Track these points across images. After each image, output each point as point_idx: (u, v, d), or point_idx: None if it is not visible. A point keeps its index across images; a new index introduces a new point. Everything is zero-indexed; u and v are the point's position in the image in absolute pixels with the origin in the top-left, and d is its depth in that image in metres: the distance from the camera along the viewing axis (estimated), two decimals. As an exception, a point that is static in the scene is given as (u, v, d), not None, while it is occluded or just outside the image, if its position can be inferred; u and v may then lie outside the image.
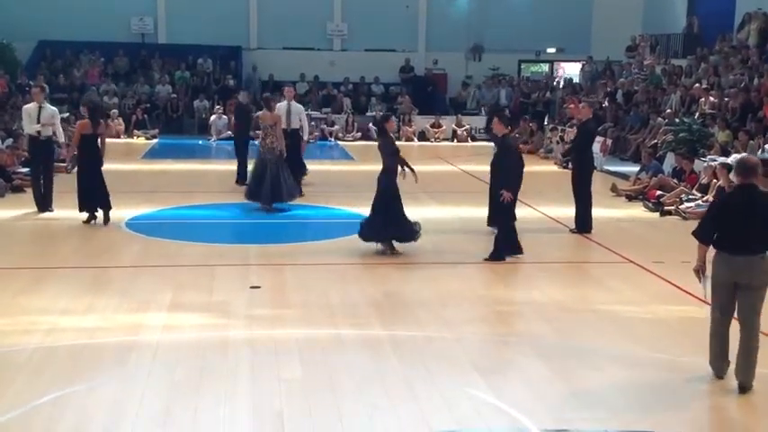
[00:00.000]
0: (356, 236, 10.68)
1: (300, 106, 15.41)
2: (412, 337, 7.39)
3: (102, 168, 12.10)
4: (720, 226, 6.40)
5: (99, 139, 12.02)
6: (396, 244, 10.57)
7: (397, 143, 11.01)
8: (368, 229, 10.51)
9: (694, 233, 6.59)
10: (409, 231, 10.48)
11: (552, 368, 6.68)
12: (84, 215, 12.04)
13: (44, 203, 12.77)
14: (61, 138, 13.38)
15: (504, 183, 10.23)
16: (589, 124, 12.43)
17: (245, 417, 5.68)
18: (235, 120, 16.43)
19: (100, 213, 12.07)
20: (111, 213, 12.60)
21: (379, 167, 10.56)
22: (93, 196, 11.97)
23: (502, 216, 10.39)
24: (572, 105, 23.55)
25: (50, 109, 12.96)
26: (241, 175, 15.72)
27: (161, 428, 5.50)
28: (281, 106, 15.01)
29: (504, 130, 10.54)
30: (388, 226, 10.42)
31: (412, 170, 10.58)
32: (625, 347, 7.30)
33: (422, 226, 10.57)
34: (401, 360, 6.82)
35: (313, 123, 22.77)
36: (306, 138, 15.00)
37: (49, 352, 6.86)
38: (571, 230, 12.05)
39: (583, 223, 12.00)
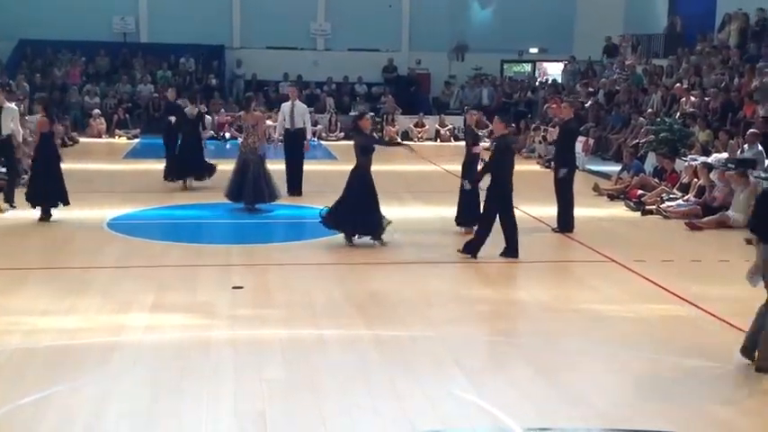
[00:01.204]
0: (339, 235, 10.70)
1: (304, 106, 15.47)
2: (395, 337, 7.39)
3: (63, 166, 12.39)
4: (764, 217, 6.75)
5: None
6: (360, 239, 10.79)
7: (408, 147, 11.18)
8: (329, 217, 10.71)
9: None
10: (373, 227, 10.59)
11: (535, 367, 6.71)
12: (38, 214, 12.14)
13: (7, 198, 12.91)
14: (18, 137, 13.44)
15: (494, 183, 10.27)
16: (571, 124, 12.47)
17: (228, 417, 5.66)
18: (164, 116, 16.64)
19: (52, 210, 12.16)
20: (92, 214, 12.62)
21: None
22: (49, 193, 12.04)
23: (504, 215, 10.31)
24: (554, 105, 23.76)
25: (11, 109, 13.09)
26: (170, 170, 15.67)
27: (143, 429, 5.47)
28: (284, 106, 15.07)
29: (504, 129, 10.57)
30: (354, 221, 10.58)
31: (405, 145, 10.74)
32: (608, 346, 7.33)
33: (391, 223, 10.76)
34: (384, 360, 6.82)
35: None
36: (309, 137, 15.08)
37: (30, 353, 6.81)
38: (553, 230, 12.09)
39: (565, 223, 12.04)
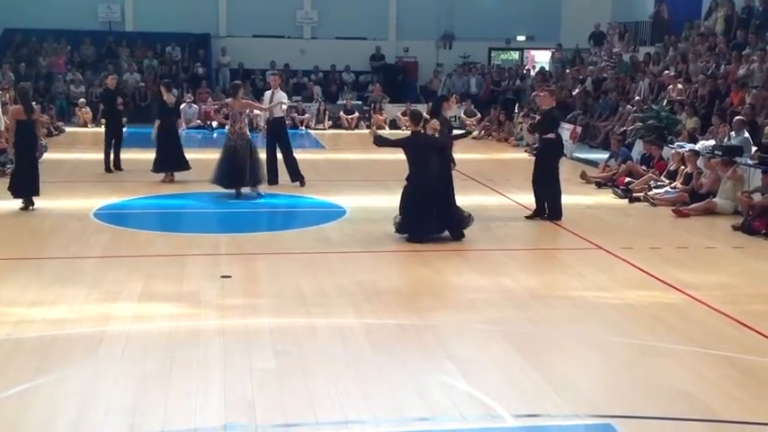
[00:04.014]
0: (328, 224, 10.69)
1: (283, 94, 15.23)
2: (384, 325, 7.39)
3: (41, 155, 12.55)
4: None
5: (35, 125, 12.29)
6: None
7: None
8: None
9: None
10: (463, 220, 10.67)
11: (524, 354, 6.72)
12: (19, 203, 12.09)
13: None
14: (1, 125, 13.41)
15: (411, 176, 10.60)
16: (552, 112, 12.45)
17: (217, 407, 5.64)
18: (103, 106, 16.59)
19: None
20: (79, 203, 12.62)
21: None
22: (30, 182, 12.01)
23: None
24: (542, 93, 23.68)
25: None
26: (116, 163, 15.93)
27: (131, 419, 5.45)
28: (266, 95, 14.91)
29: (414, 127, 10.85)
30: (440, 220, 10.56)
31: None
32: (596, 333, 7.35)
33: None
34: (374, 348, 6.82)
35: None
36: (264, 108, 14.70)
37: (17, 343, 6.77)
38: (542, 218, 12.09)
39: (554, 211, 12.04)
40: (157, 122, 14.87)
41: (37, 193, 12.14)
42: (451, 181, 11.01)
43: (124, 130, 16.72)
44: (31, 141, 12.08)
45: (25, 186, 12.04)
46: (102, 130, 23.53)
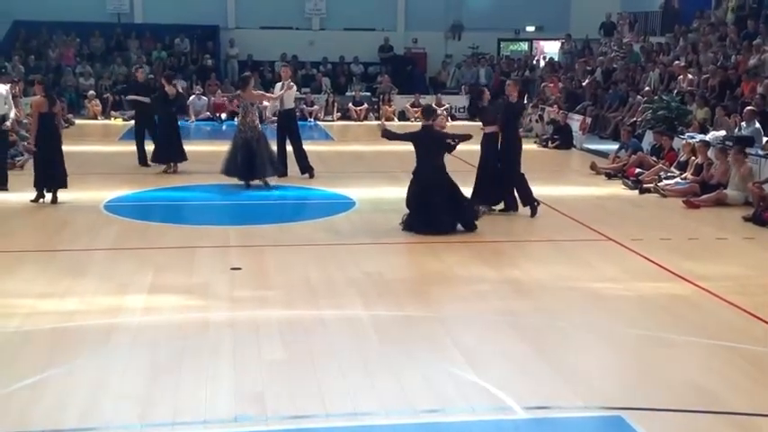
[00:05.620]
0: (337, 216, 10.68)
1: (293, 85, 15.21)
2: (393, 317, 7.40)
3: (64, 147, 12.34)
4: None
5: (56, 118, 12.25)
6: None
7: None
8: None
9: None
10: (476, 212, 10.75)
11: (533, 345, 6.71)
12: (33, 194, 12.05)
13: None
14: (11, 115, 13.49)
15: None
16: (518, 104, 12.32)
17: (227, 398, 5.66)
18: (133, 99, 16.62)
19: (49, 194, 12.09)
20: (89, 195, 12.63)
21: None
22: (51, 175, 11.98)
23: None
24: (551, 84, 23.65)
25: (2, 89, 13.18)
26: (141, 158, 15.72)
27: (142, 410, 5.47)
28: (277, 86, 14.92)
29: (425, 121, 10.76)
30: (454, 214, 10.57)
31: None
32: (605, 324, 7.34)
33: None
34: (383, 340, 6.82)
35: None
36: (273, 100, 14.72)
37: (28, 335, 6.80)
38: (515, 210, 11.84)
39: (524, 200, 11.78)
40: (146, 99, 15.26)
41: (62, 185, 12.10)
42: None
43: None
44: (50, 134, 12.02)
45: (40, 179, 12.00)
46: (114, 122, 23.86)
